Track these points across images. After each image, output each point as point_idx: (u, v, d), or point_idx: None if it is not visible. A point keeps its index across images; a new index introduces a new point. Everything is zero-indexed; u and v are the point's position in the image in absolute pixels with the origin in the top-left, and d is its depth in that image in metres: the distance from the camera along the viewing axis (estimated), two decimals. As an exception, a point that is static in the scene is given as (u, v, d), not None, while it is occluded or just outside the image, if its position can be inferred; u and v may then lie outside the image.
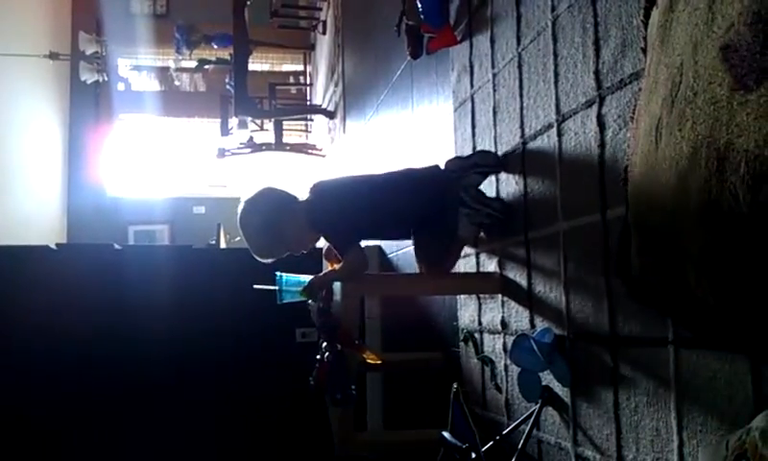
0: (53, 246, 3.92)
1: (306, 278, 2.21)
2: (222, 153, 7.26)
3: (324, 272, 2.17)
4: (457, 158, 2.23)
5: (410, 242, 2.26)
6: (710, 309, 1.06)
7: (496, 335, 2.16)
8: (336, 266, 2.16)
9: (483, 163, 2.12)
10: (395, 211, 2.13)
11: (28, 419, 3.53)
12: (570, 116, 1.67)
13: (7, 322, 3.55)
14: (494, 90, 2.17)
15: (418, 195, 2.12)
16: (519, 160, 1.98)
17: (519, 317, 1.99)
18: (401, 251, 3.42)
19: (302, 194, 2.14)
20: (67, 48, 8.25)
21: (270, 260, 2.13)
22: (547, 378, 1.79)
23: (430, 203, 2.10)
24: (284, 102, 8.25)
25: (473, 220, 2.06)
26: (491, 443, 1.90)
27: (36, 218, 7.55)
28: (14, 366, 3.55)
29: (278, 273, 2.27)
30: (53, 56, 7.34)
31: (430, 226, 2.13)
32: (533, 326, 1.90)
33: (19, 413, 3.53)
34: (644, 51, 1.32)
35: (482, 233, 2.23)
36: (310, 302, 2.15)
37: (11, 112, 6.90)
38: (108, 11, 8.52)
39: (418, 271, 2.28)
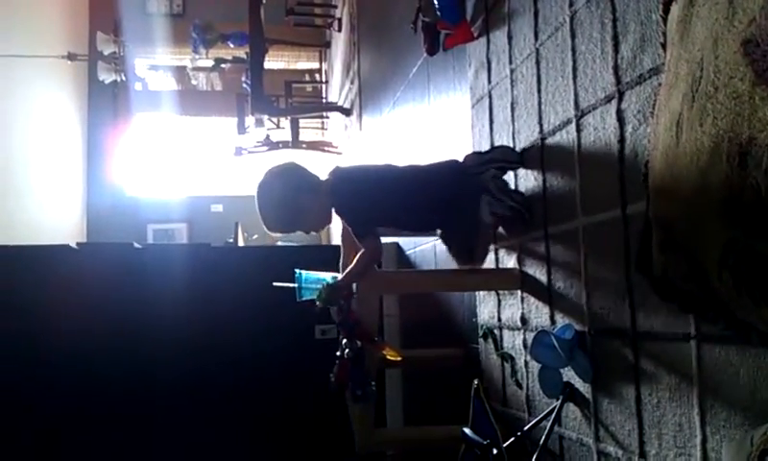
0: (73, 245, 3.95)
1: (326, 275, 2.22)
2: (239, 151, 7.29)
3: (341, 276, 2.15)
4: (475, 154, 2.23)
5: (428, 238, 2.26)
6: (733, 304, 1.06)
7: (516, 331, 2.16)
8: (353, 256, 2.15)
9: (501, 159, 2.11)
10: (416, 204, 2.12)
11: (50, 417, 3.57)
12: (589, 112, 1.67)
13: (29, 321, 3.59)
14: (512, 86, 2.16)
15: (439, 186, 2.11)
16: (538, 156, 1.97)
17: (539, 313, 1.99)
18: (419, 248, 3.42)
19: (323, 176, 2.14)
20: (85, 49, 8.31)
21: (279, 234, 2.11)
22: (568, 375, 1.79)
23: (451, 194, 2.09)
24: (300, 100, 8.26)
25: (495, 209, 2.05)
26: (512, 439, 1.90)
27: (57, 218, 7.62)
28: (37, 365, 3.58)
29: (298, 270, 2.28)
30: (71, 56, 7.40)
31: (455, 218, 2.12)
32: (553, 322, 1.90)
33: (41, 412, 3.57)
34: (664, 46, 1.31)
35: (501, 229, 2.22)
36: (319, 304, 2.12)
37: (30, 113, 6.97)
38: (125, 11, 8.57)
39: (445, 267, 2.28)
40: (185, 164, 9.48)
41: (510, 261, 2.20)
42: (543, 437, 1.82)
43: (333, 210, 2.09)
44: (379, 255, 2.12)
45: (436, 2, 2.55)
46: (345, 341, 2.09)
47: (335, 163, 2.19)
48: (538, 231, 1.97)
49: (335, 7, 7.32)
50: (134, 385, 3.67)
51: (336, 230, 2.22)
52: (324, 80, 8.69)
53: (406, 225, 2.32)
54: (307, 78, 9.26)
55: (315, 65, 9.14)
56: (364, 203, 2.07)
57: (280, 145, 7.36)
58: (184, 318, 3.73)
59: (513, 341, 2.20)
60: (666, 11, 1.27)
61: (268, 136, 7.43)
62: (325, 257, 2.51)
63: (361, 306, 2.11)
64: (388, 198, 2.09)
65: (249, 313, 3.80)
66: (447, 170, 2.17)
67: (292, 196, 2.03)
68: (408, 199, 2.11)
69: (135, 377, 3.66)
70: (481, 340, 2.46)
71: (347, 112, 6.47)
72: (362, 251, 2.04)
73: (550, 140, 1.90)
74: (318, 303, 2.07)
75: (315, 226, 2.15)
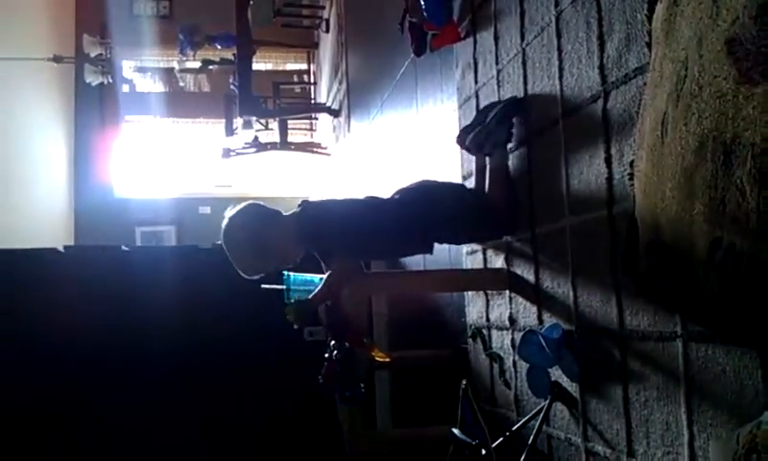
0: (61, 248, 3.93)
1: (314, 276, 2.22)
2: (227, 153, 7.27)
3: (312, 294, 2.14)
4: (468, 133, 2.18)
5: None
6: (720, 304, 1.06)
7: (504, 331, 2.16)
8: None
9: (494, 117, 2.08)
10: (407, 227, 2.12)
11: (36, 419, 3.55)
12: (575, 111, 1.67)
13: (15, 324, 3.56)
14: (499, 86, 2.16)
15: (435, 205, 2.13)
16: (525, 156, 1.97)
17: (527, 313, 1.99)
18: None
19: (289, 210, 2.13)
20: (71, 51, 8.26)
21: (256, 277, 2.09)
22: (556, 374, 1.80)
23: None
24: (288, 101, 8.25)
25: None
26: (500, 439, 1.90)
27: (44, 220, 7.57)
28: (23, 368, 3.56)
29: (286, 272, 2.28)
30: (57, 59, 7.36)
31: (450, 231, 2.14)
32: (541, 321, 1.90)
33: (28, 414, 3.54)
34: (649, 45, 1.32)
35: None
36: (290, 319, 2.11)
37: (16, 116, 6.92)
38: (111, 13, 8.54)
39: (433, 268, 2.27)
40: (173, 166, 9.44)
41: (498, 261, 2.20)
42: (532, 437, 1.82)
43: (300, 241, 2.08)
44: (345, 275, 2.11)
45: (422, 3, 2.54)
46: (333, 343, 2.08)
47: (304, 198, 2.20)
48: (525, 232, 1.97)
49: (322, 8, 7.32)
50: (123, 388, 3.64)
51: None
52: (312, 81, 8.68)
53: (386, 251, 2.32)
54: (295, 79, 9.25)
55: (303, 66, 9.14)
56: (331, 229, 2.07)
57: (269, 147, 7.34)
58: (173, 320, 3.71)
59: (501, 341, 2.20)
60: (651, 10, 1.27)
61: (256, 138, 7.41)
62: (313, 260, 2.50)
63: (349, 307, 2.11)
64: (362, 227, 2.09)
65: (237, 315, 3.79)
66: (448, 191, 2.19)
67: (256, 233, 2.02)
68: (397, 223, 2.10)
69: (124, 381, 3.64)
70: (470, 340, 2.46)
71: (335, 113, 6.47)
72: (328, 272, 2.06)
73: (537, 140, 1.90)
74: (289, 317, 2.06)
75: (286, 258, 2.12)
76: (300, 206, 2.11)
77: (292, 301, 2.12)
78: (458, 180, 2.53)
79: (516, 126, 2.02)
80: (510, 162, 2.07)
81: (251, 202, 2.10)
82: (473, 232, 2.24)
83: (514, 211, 2.05)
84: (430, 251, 2.17)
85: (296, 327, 2.09)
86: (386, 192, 2.22)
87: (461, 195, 2.20)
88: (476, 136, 2.10)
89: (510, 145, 2.05)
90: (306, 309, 2.07)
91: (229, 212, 2.07)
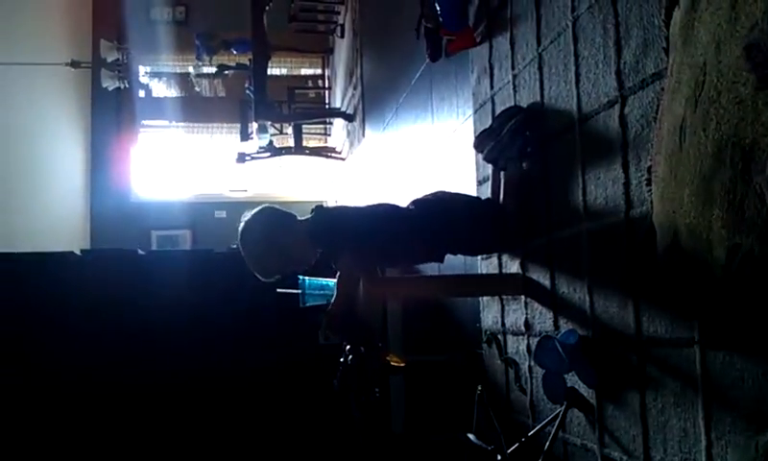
0: (77, 252, 3.96)
1: (330, 281, 2.22)
2: (242, 157, 7.30)
3: (331, 306, 2.14)
4: (485, 137, 2.19)
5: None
6: (738, 310, 1.05)
7: (520, 337, 2.16)
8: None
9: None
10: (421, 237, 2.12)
11: (54, 423, 3.57)
12: (592, 116, 1.67)
13: (33, 327, 3.59)
14: (515, 92, 2.16)
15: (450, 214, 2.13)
16: (542, 161, 1.97)
17: (543, 318, 1.99)
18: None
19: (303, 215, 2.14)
20: (88, 56, 8.32)
21: (273, 279, 2.12)
22: (572, 380, 1.79)
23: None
24: (303, 106, 8.27)
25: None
26: (516, 445, 1.90)
27: (61, 224, 7.63)
28: (41, 371, 3.59)
29: (301, 276, 2.29)
30: (74, 64, 7.42)
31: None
32: (557, 327, 1.89)
33: (46, 418, 3.57)
34: (666, 51, 1.31)
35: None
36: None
37: (34, 121, 6.98)
38: (128, 18, 8.60)
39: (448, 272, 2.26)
40: (189, 170, 9.49)
41: (513, 267, 2.20)
42: (548, 443, 1.82)
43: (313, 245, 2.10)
44: (354, 275, 2.11)
45: (438, 8, 2.55)
46: (348, 347, 2.09)
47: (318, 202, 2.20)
48: (541, 237, 1.97)
49: (338, 13, 7.33)
50: (139, 391, 3.67)
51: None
52: (326, 86, 8.70)
53: (399, 260, 2.32)
54: (310, 84, 9.27)
55: (318, 71, 9.16)
56: (344, 236, 2.07)
57: (284, 151, 7.36)
58: (188, 324, 3.73)
59: (517, 346, 2.20)
60: (669, 16, 1.27)
61: (271, 142, 7.44)
62: (327, 264, 2.51)
63: (364, 312, 2.11)
64: (376, 235, 2.09)
65: (253, 318, 3.81)
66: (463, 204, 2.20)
67: (272, 235, 2.05)
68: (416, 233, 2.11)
69: (140, 383, 3.67)
70: (485, 345, 2.45)
71: (349, 118, 6.48)
72: (338, 276, 2.07)
73: (553, 145, 1.90)
74: (322, 337, 2.07)
75: (301, 261, 2.15)
76: (313, 211, 2.13)
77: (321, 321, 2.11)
78: (473, 184, 2.53)
79: (529, 138, 2.02)
80: (525, 169, 2.07)
81: (266, 205, 2.13)
82: (487, 245, 2.25)
83: (527, 225, 2.06)
84: (441, 260, 2.18)
85: (326, 341, 2.09)
86: (401, 199, 2.22)
87: (476, 208, 2.20)
88: (491, 151, 2.11)
89: (524, 159, 2.05)
90: (333, 323, 2.07)
91: (246, 215, 2.09)
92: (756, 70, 0.92)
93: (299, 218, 2.11)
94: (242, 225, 2.08)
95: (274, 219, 2.09)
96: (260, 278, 2.09)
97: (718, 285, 1.06)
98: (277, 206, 2.13)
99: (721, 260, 1.02)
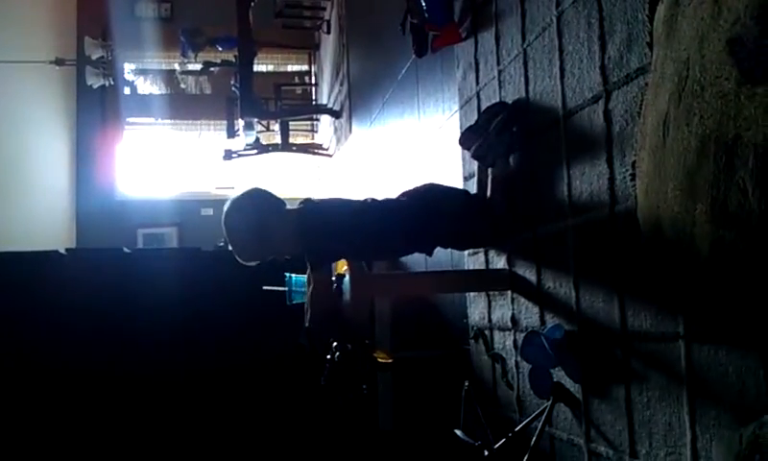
0: (62, 251, 3.93)
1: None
2: (229, 154, 7.27)
3: (307, 319, 2.13)
4: (471, 133, 2.19)
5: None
6: (722, 304, 1.06)
7: (507, 332, 2.16)
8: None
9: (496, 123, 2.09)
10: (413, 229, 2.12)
11: (38, 423, 3.55)
12: (577, 112, 1.67)
13: (17, 327, 3.57)
14: (500, 87, 2.16)
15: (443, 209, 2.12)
16: (527, 156, 1.97)
17: (529, 313, 1.99)
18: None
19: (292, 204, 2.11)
20: (73, 53, 8.26)
21: (252, 263, 2.06)
22: (559, 375, 1.79)
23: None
24: (290, 102, 8.25)
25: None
26: (503, 440, 1.90)
27: (46, 223, 7.58)
28: (25, 371, 3.56)
29: (288, 274, 2.28)
30: (59, 62, 7.36)
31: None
32: (543, 322, 1.90)
33: (29, 417, 3.54)
34: (650, 46, 1.32)
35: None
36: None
37: (18, 119, 6.93)
38: (112, 15, 8.54)
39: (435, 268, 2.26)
40: (175, 168, 9.45)
41: (500, 262, 2.20)
42: (534, 438, 1.82)
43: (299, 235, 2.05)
44: (326, 288, 2.10)
45: (424, 4, 2.54)
46: (335, 344, 2.08)
47: (307, 195, 2.17)
48: (527, 232, 1.97)
49: (324, 9, 7.32)
50: (126, 390, 3.65)
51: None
52: (313, 82, 8.68)
53: (387, 251, 2.31)
54: (297, 80, 9.25)
55: (304, 68, 9.13)
56: (333, 227, 2.05)
57: (270, 148, 7.34)
58: (175, 322, 3.71)
59: (503, 342, 2.20)
60: (652, 10, 1.27)
61: (258, 139, 7.41)
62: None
63: (351, 309, 2.11)
64: (365, 226, 2.07)
65: (240, 316, 3.79)
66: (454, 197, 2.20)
67: (256, 218, 2.00)
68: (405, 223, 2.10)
69: (127, 383, 3.65)
70: (472, 341, 2.46)
71: (336, 115, 6.47)
72: (311, 287, 2.05)
73: (538, 141, 1.90)
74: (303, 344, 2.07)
75: (283, 250, 2.09)
76: (302, 203, 2.10)
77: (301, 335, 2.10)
78: (459, 180, 2.53)
79: (516, 135, 2.02)
80: (511, 165, 2.07)
81: (256, 186, 2.09)
82: (474, 239, 2.24)
83: (513, 220, 2.06)
84: (430, 252, 2.17)
85: (308, 350, 2.09)
86: (389, 193, 2.22)
87: (465, 202, 2.19)
88: (478, 149, 2.11)
89: (510, 155, 2.06)
90: (313, 335, 2.06)
91: (234, 194, 2.06)
92: (739, 64, 0.92)
93: (287, 206, 2.08)
94: (229, 203, 2.03)
95: (263, 200, 2.05)
96: (239, 259, 2.04)
97: (702, 279, 1.06)
98: (268, 189, 2.09)
99: (705, 254, 1.02)
